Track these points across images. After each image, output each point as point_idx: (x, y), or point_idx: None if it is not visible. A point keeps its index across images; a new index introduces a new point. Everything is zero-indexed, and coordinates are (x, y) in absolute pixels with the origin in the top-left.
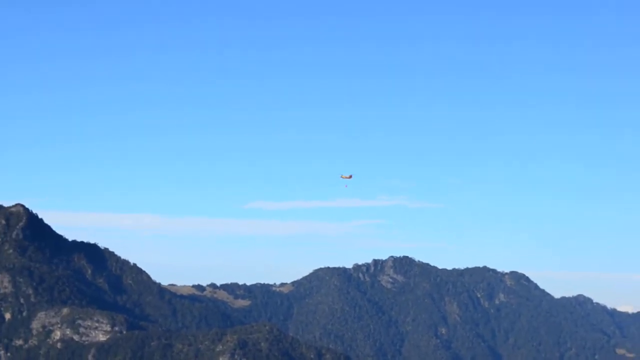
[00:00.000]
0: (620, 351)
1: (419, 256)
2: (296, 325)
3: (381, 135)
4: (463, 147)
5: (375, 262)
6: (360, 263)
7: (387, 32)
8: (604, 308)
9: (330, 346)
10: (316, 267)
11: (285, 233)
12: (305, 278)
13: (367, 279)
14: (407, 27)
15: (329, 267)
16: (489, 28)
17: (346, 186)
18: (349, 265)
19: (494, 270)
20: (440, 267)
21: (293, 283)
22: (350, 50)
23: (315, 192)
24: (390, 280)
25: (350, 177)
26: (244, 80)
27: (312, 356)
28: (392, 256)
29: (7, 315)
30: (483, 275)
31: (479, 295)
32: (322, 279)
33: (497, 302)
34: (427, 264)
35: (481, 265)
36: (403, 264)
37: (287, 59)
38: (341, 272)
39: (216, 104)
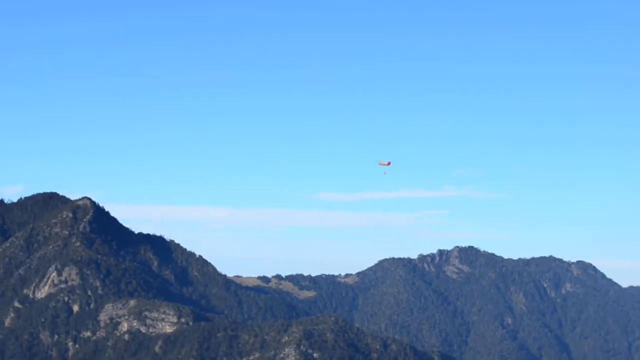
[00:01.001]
0: None
1: (485, 246)
2: (361, 316)
3: (447, 125)
4: (529, 137)
5: (441, 252)
6: (425, 253)
7: (457, 17)
8: None
9: (396, 337)
10: (381, 258)
11: (350, 224)
12: (370, 269)
13: (433, 269)
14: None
15: (394, 258)
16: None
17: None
18: (414, 256)
19: (560, 260)
20: (505, 257)
21: (358, 274)
22: (413, 37)
23: (380, 183)
24: (456, 270)
25: (389, 164)
26: (306, 71)
27: (377, 347)
28: (457, 246)
29: (75, 308)
30: (549, 265)
31: (545, 285)
32: (387, 270)
33: (563, 291)
34: (493, 254)
35: (547, 255)
36: (468, 254)
37: (348, 47)
38: (406, 262)
39: (283, 93)
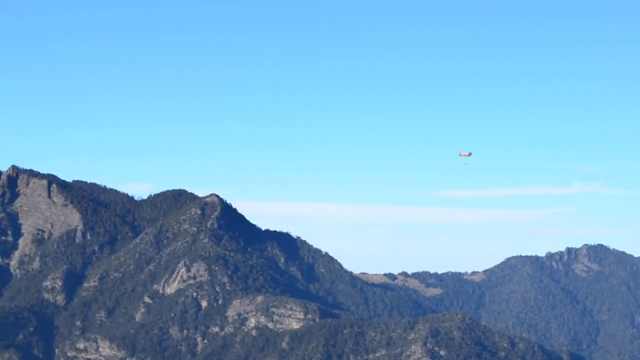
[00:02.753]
0: None
1: (614, 244)
2: (488, 314)
3: (575, 120)
4: None
5: (569, 250)
6: (553, 251)
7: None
8: None
9: (524, 335)
10: (508, 256)
11: (476, 221)
12: (497, 266)
13: (561, 267)
14: None
15: (521, 256)
16: None
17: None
18: (542, 254)
19: None
20: (636, 255)
21: (485, 271)
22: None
23: (507, 181)
24: (585, 268)
25: (470, 154)
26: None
27: (505, 345)
28: (586, 244)
29: (204, 303)
30: None
31: None
32: (515, 268)
33: None
34: (623, 252)
35: None
36: (597, 252)
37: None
38: (534, 260)
39: (407, 87)
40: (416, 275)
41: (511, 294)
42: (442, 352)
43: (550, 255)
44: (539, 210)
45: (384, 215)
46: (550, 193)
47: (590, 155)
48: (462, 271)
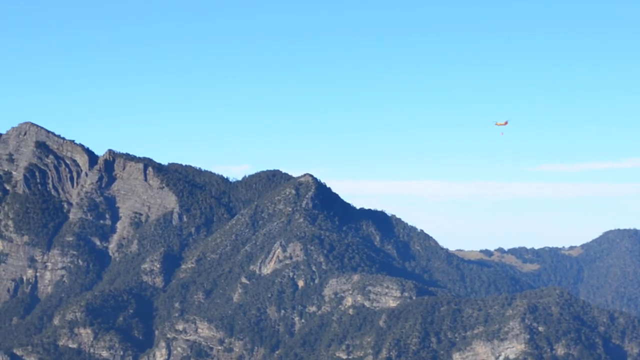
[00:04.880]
0: None
1: None
2: (587, 288)
3: None
4: None
5: None
6: None
7: None
8: None
9: (623, 310)
10: (606, 230)
11: (573, 195)
12: (595, 240)
13: None
14: None
15: (619, 229)
16: None
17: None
18: None
19: None
20: None
21: (582, 246)
22: None
23: (604, 153)
24: None
25: (506, 123)
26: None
27: (604, 320)
28: None
29: (300, 283)
30: None
31: None
32: (613, 242)
33: None
34: None
35: None
36: None
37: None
38: (632, 233)
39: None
40: (513, 251)
41: (610, 268)
42: (540, 328)
43: None
44: (631, 184)
45: (479, 191)
46: None
47: None
48: (559, 246)
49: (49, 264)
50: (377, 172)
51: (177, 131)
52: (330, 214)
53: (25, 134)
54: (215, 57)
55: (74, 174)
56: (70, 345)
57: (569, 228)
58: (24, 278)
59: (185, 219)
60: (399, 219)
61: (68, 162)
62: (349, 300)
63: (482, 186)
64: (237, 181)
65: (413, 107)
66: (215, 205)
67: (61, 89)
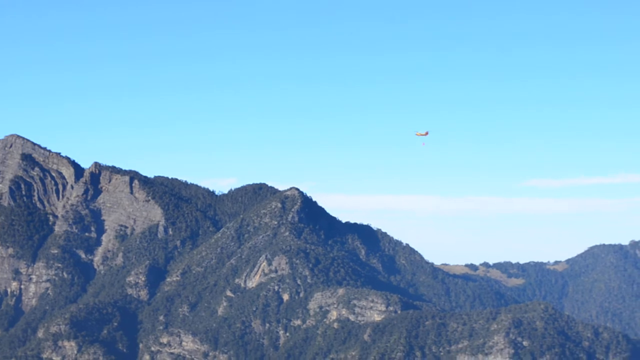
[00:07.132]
0: None
1: None
2: (571, 303)
3: None
4: None
5: None
6: (637, 240)
7: None
8: None
9: (608, 325)
10: (591, 245)
11: (558, 211)
12: (580, 255)
13: None
14: None
15: (604, 244)
16: None
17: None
18: (625, 242)
19: None
20: None
21: (567, 261)
22: None
23: (590, 169)
24: None
25: (427, 134)
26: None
27: (589, 335)
28: None
29: (285, 297)
30: None
31: None
32: (598, 257)
33: None
34: None
35: None
36: None
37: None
38: (617, 249)
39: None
40: (498, 266)
41: (594, 283)
42: (525, 343)
43: (634, 244)
44: (623, 199)
45: (464, 206)
46: (632, 181)
47: None
48: (545, 261)
49: (33, 276)
50: (364, 187)
51: (163, 144)
52: (316, 227)
53: (11, 146)
54: (202, 70)
55: (60, 187)
56: (54, 358)
57: (554, 243)
58: (8, 290)
59: (170, 232)
60: (385, 233)
61: (54, 174)
62: (333, 314)
63: (467, 201)
64: (223, 194)
65: (399, 121)
66: (201, 219)
67: (47, 102)
